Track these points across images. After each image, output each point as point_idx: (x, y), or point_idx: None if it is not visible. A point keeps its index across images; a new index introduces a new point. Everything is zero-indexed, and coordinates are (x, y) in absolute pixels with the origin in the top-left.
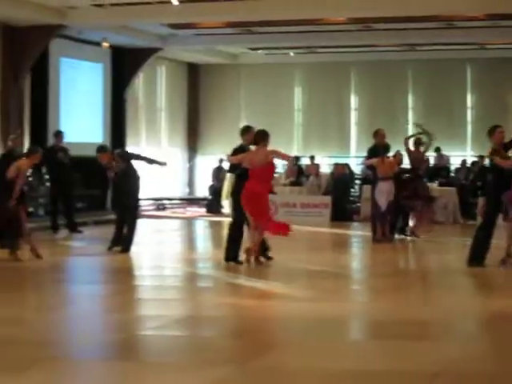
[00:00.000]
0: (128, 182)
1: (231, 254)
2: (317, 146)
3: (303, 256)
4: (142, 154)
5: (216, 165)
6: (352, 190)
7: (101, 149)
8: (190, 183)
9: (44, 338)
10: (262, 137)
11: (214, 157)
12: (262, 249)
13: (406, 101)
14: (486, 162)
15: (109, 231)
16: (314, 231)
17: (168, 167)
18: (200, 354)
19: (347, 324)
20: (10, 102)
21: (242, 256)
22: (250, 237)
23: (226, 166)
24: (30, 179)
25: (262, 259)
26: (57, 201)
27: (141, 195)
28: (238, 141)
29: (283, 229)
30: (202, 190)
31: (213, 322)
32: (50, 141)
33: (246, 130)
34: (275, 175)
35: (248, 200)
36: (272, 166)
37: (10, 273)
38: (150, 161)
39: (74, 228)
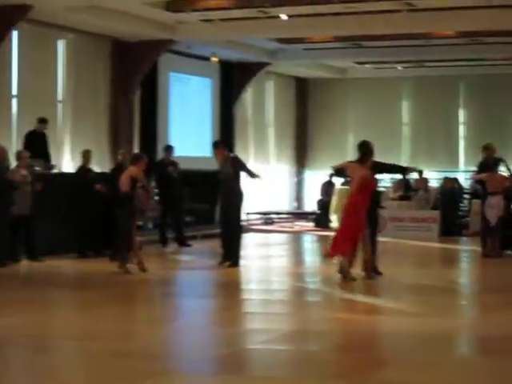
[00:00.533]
0: (233, 196)
1: (345, 268)
2: (424, 160)
3: (412, 271)
4: (247, 166)
5: (326, 179)
6: (461, 204)
7: (217, 144)
8: (298, 197)
9: (154, 352)
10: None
11: (321, 171)
12: (373, 263)
13: None
14: None
15: (217, 245)
16: (422, 246)
17: (276, 182)
18: (307, 369)
19: (455, 339)
20: (120, 117)
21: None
22: (363, 250)
23: (335, 180)
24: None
25: (372, 274)
26: (166, 214)
27: (249, 209)
28: (346, 155)
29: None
30: (310, 205)
31: (320, 337)
32: (160, 155)
33: (362, 146)
34: (382, 189)
35: (348, 212)
36: (373, 180)
37: (120, 286)
38: (252, 174)
39: (183, 242)
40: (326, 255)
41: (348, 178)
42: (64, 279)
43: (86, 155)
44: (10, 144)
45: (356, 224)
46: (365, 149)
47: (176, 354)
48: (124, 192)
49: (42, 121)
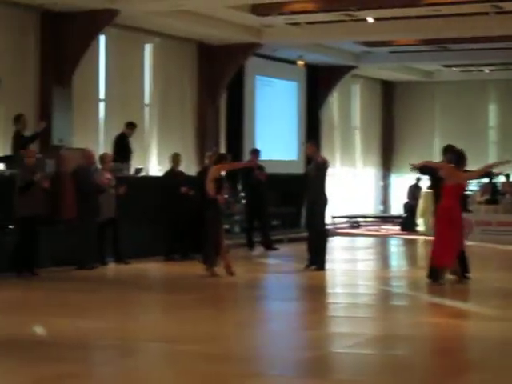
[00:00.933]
0: (318, 200)
1: (435, 274)
2: None
3: (499, 275)
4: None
5: (412, 182)
6: None
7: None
8: (385, 201)
9: (242, 355)
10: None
11: (408, 174)
12: (463, 267)
13: None
14: None
15: (303, 249)
16: (510, 250)
17: (362, 185)
18: (394, 374)
19: None
20: (206, 120)
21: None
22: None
23: (422, 184)
24: (226, 196)
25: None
26: (253, 218)
27: (336, 213)
28: (432, 158)
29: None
30: (397, 208)
31: (407, 341)
32: (246, 158)
33: (447, 150)
34: (469, 193)
35: (442, 218)
36: (463, 184)
37: (207, 289)
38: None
39: (269, 245)
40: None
41: (429, 177)
42: (151, 282)
43: (175, 159)
44: (97, 147)
45: (457, 237)
46: (460, 154)
47: (263, 356)
48: (211, 196)
49: (131, 125)
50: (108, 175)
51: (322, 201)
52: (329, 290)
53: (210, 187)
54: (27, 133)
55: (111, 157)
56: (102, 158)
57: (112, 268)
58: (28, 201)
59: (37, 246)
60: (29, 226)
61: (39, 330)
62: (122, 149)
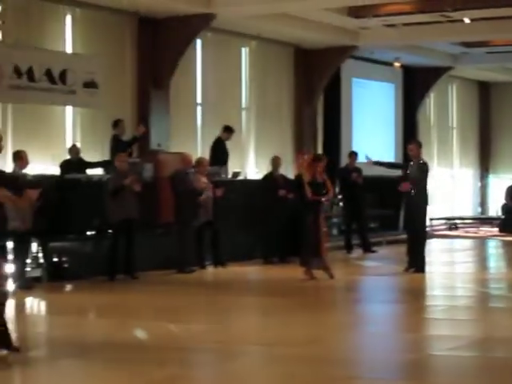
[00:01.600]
0: (418, 202)
1: None
2: None
3: None
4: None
5: (510, 183)
6: None
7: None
8: (483, 202)
9: (341, 357)
10: None
11: (506, 175)
12: None
13: None
14: None
15: (401, 251)
16: None
17: (460, 186)
18: (494, 377)
19: None
20: (303, 123)
21: None
22: None
23: None
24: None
25: None
26: (351, 220)
27: (434, 215)
28: None
29: None
30: (495, 209)
31: (508, 344)
32: (343, 161)
33: None
34: None
35: None
36: None
37: (306, 292)
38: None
39: (368, 248)
40: None
41: None
42: (250, 285)
43: (275, 162)
44: (195, 151)
45: None
46: None
47: (362, 359)
48: (310, 199)
49: (228, 129)
50: (204, 179)
51: (424, 202)
52: (428, 293)
53: (308, 190)
54: (125, 137)
55: (207, 161)
56: (199, 162)
57: (211, 271)
58: (120, 205)
59: (133, 250)
60: (122, 231)
61: (141, 333)
62: (220, 153)
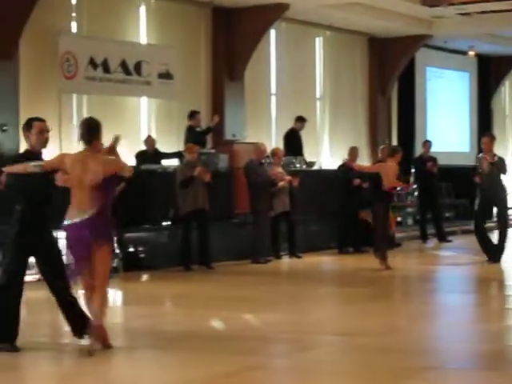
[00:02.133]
0: (496, 190)
1: None
2: None
3: None
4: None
5: None
6: None
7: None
8: None
9: (417, 348)
10: None
11: None
12: None
13: None
14: None
15: (476, 241)
16: None
17: None
18: None
19: None
20: (377, 113)
21: None
22: None
23: None
24: (399, 189)
25: None
26: (426, 210)
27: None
28: None
29: None
30: None
31: None
32: (417, 150)
33: None
34: None
35: None
36: None
37: (381, 282)
38: None
39: (443, 237)
40: None
41: None
42: (325, 275)
43: (352, 152)
44: (269, 142)
45: None
46: None
47: (438, 349)
48: (388, 188)
49: (301, 119)
50: (279, 169)
51: (504, 193)
52: (506, 283)
53: (395, 182)
54: (199, 129)
55: (283, 151)
56: (274, 152)
57: (286, 262)
58: (189, 196)
59: (207, 240)
60: (192, 221)
61: (217, 323)
62: (293, 143)
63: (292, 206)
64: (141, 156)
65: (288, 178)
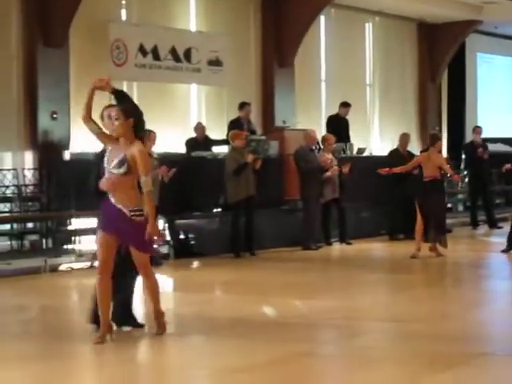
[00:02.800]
0: None
1: None
2: None
3: None
4: None
5: None
6: None
7: None
8: None
9: (468, 334)
10: None
11: None
12: None
13: None
14: None
15: None
16: None
17: None
18: None
19: None
20: (427, 98)
21: None
22: None
23: None
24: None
25: None
26: (476, 196)
27: None
28: None
29: None
30: None
31: None
32: (468, 136)
33: None
34: None
35: None
36: None
37: (432, 268)
38: None
39: (494, 224)
40: None
41: None
42: (376, 262)
43: (403, 138)
44: (319, 128)
45: None
46: None
47: (491, 336)
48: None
49: (345, 104)
50: (329, 156)
51: None
52: None
53: (447, 168)
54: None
55: (333, 138)
56: (325, 138)
57: (336, 248)
58: (240, 183)
59: (252, 227)
60: (243, 209)
61: (268, 309)
62: (337, 128)
63: (342, 192)
64: (191, 143)
65: (336, 167)
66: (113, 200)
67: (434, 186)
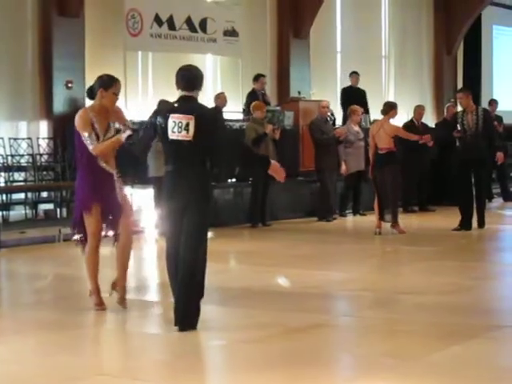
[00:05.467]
0: None
1: None
2: None
3: None
4: None
5: None
6: None
7: None
8: None
9: (483, 307)
10: None
11: None
12: None
13: None
14: None
15: None
16: None
17: None
18: None
19: None
20: (443, 71)
21: None
22: None
23: None
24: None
25: None
26: (491, 170)
27: None
28: None
29: None
30: None
31: None
32: None
33: None
34: None
35: None
36: None
37: (447, 241)
38: None
39: (508, 196)
40: None
41: None
42: (388, 234)
43: (419, 111)
44: (334, 99)
45: None
46: None
47: (506, 309)
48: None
49: (353, 74)
50: (357, 128)
51: None
52: None
53: (406, 135)
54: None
55: (361, 110)
56: (352, 110)
57: (351, 220)
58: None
59: (266, 198)
60: (262, 178)
61: (282, 280)
62: (353, 100)
63: (367, 164)
64: None
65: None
66: None
67: (388, 159)
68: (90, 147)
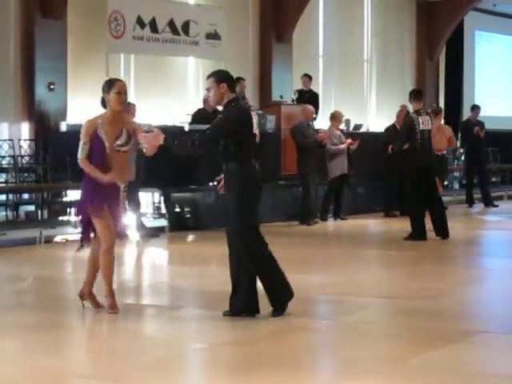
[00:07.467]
0: None
1: None
2: None
3: None
4: None
5: None
6: None
7: None
8: None
9: (463, 311)
10: None
11: None
12: None
13: None
14: None
15: None
16: None
17: None
18: None
19: None
20: (425, 76)
21: None
22: None
23: None
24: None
25: None
26: (472, 175)
27: None
28: None
29: None
30: None
31: None
32: (466, 114)
33: None
34: None
35: None
36: None
37: (425, 246)
38: None
39: (489, 202)
40: None
41: None
42: (370, 238)
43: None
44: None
45: None
46: None
47: (486, 313)
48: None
49: (304, 76)
50: (338, 132)
51: None
52: None
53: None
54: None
55: (342, 115)
56: (333, 115)
57: (332, 224)
58: None
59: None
60: None
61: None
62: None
63: (350, 169)
64: (198, 115)
65: (349, 140)
66: None
67: None
68: (79, 156)
